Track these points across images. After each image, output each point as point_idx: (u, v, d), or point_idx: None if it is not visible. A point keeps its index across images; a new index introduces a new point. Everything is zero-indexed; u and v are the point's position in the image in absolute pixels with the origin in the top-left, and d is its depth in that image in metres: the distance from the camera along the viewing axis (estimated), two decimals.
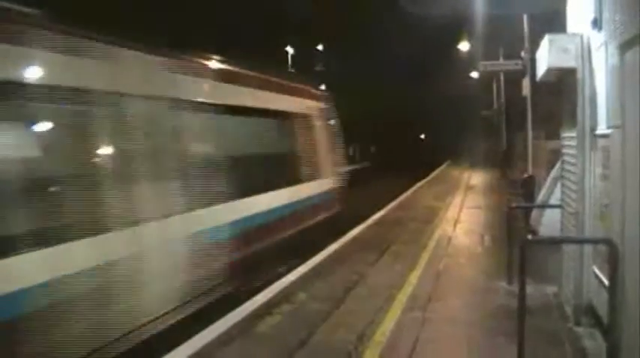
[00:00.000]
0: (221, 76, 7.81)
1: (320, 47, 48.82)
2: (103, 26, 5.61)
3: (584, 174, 5.23)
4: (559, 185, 7.02)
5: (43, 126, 4.91)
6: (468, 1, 16.75)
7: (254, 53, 32.94)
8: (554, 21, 7.59)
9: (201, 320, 5.99)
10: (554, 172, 9.70)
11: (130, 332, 5.21)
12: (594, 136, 5.09)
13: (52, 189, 4.77)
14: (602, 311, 4.66)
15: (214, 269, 6.81)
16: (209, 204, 6.82)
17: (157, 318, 5.64)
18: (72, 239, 4.67)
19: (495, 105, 30.52)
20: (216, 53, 8.26)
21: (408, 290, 7.04)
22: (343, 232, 11.26)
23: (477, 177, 27.00)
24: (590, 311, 5.18)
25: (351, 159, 46.99)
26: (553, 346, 5.03)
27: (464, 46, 27.01)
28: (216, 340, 5.47)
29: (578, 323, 5.31)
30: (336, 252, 9.61)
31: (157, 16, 24.38)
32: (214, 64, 7.98)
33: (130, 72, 5.77)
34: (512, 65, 16.97)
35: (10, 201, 4.27)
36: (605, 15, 4.67)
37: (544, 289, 6.70)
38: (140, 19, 22.59)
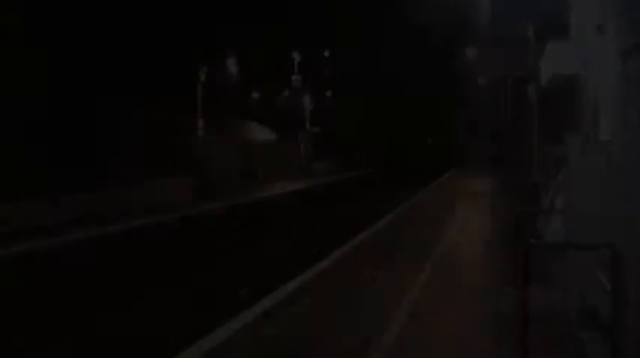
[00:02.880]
0: None
1: (326, 53, 48.99)
2: None
3: (587, 180, 5.24)
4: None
5: None
6: (474, 8, 16.76)
7: (261, 60, 33.18)
8: (558, 27, 7.62)
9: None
10: (560, 178, 9.70)
11: None
12: (597, 142, 5.11)
13: None
14: (606, 316, 4.67)
15: None
16: None
17: None
18: None
19: (502, 111, 30.48)
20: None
21: (413, 294, 7.06)
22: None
23: (483, 183, 26.96)
24: (595, 316, 5.17)
25: (357, 165, 47.15)
26: (557, 351, 5.04)
27: (471, 51, 27.00)
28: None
29: (582, 329, 5.31)
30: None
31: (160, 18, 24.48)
32: None
33: None
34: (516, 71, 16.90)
35: None
36: (609, 21, 4.69)
37: (549, 294, 6.70)
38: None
